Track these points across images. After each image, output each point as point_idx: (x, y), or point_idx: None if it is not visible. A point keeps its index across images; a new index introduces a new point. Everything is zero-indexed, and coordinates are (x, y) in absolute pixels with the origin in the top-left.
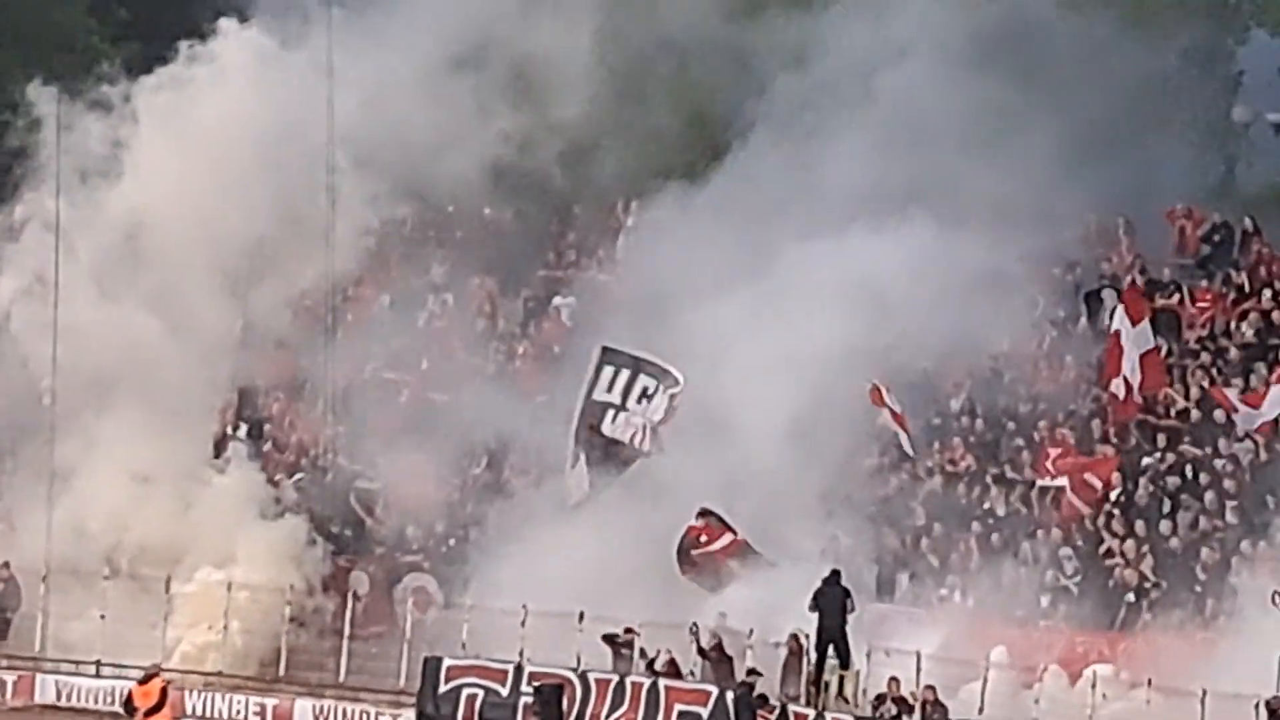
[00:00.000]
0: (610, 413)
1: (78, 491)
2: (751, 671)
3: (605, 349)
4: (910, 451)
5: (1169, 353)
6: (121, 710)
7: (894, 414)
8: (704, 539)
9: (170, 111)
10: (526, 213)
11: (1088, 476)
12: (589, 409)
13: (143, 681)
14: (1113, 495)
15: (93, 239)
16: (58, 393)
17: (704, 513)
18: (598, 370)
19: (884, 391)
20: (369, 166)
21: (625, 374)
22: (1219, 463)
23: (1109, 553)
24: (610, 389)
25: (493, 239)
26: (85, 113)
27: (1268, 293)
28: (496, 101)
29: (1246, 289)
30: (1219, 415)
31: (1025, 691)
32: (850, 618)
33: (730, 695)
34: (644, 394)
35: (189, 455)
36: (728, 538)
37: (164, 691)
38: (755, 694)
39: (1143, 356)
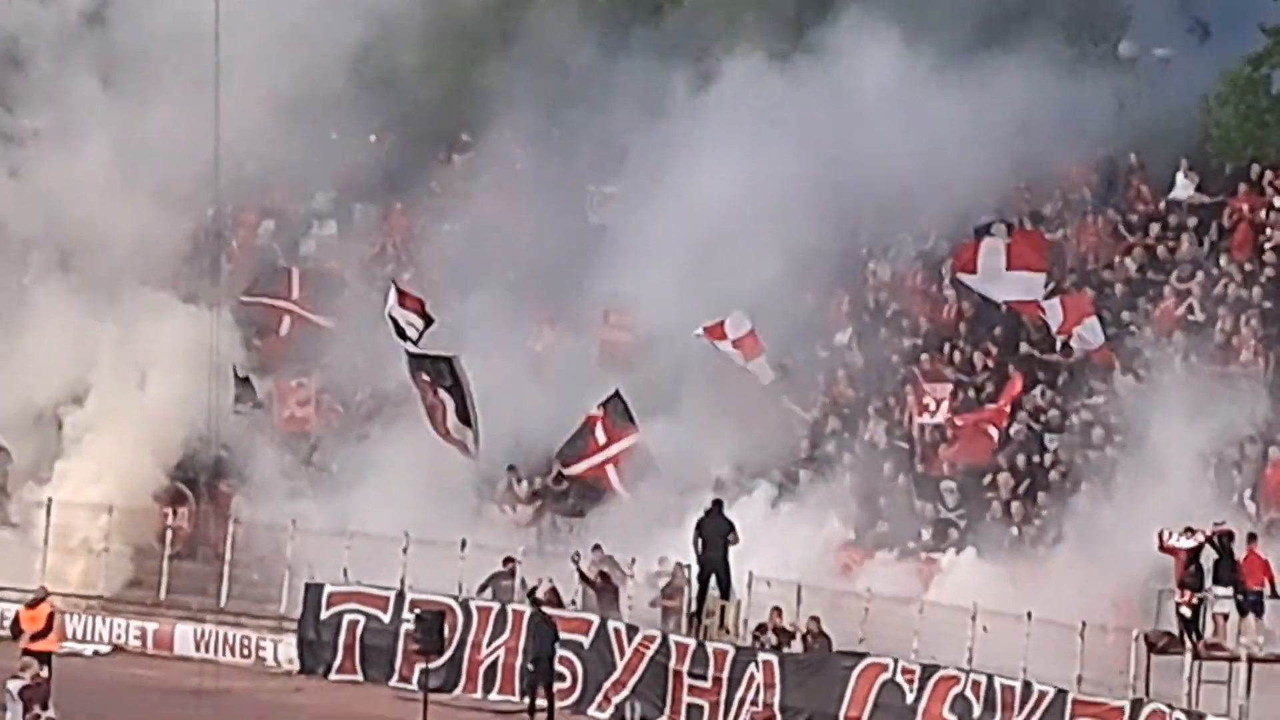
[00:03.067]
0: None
1: None
2: (536, 602)
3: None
4: (765, 380)
5: (1055, 289)
6: (8, 632)
7: (737, 342)
8: (602, 437)
9: None
10: (413, 139)
11: (986, 427)
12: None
13: (30, 605)
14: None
15: None
16: None
17: (611, 398)
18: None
19: (724, 325)
20: (255, 88)
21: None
22: (1098, 399)
23: (991, 485)
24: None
25: (378, 167)
26: None
27: (1153, 228)
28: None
29: (1131, 225)
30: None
31: (906, 622)
32: (731, 548)
33: (610, 624)
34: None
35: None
36: (626, 441)
37: (51, 616)
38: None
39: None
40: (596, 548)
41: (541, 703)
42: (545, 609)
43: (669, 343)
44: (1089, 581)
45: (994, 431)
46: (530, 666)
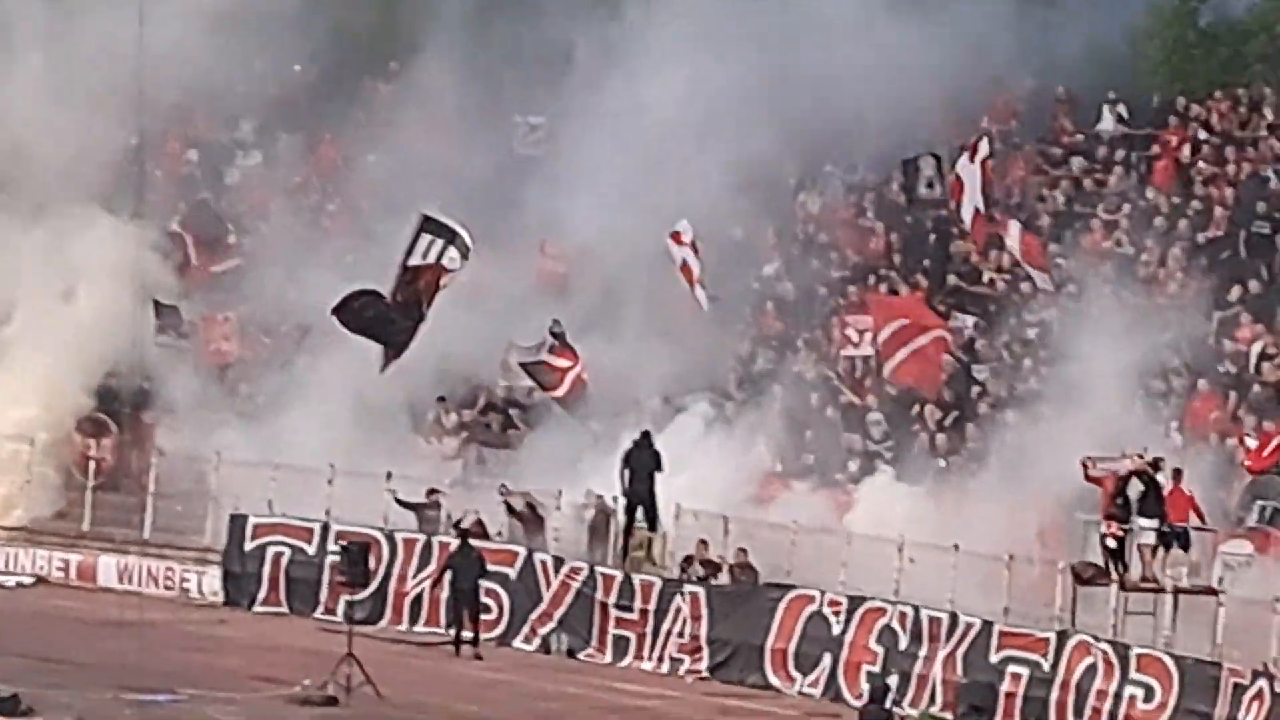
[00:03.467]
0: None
1: None
2: (463, 533)
3: (425, 217)
4: (704, 304)
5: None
6: None
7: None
8: (557, 357)
9: None
10: (339, 67)
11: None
12: (403, 275)
13: None
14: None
15: None
16: None
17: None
18: (416, 236)
19: (682, 234)
20: (175, 19)
21: (439, 243)
22: (1030, 331)
23: (918, 417)
24: (425, 256)
25: (304, 96)
26: None
27: (1081, 161)
28: None
29: (1058, 157)
30: (1025, 288)
31: (834, 554)
32: (659, 479)
33: (536, 556)
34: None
35: None
36: (573, 372)
37: None
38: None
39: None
40: (503, 486)
41: (468, 634)
42: (472, 541)
43: (604, 267)
44: (1015, 512)
45: (945, 360)
46: (454, 598)
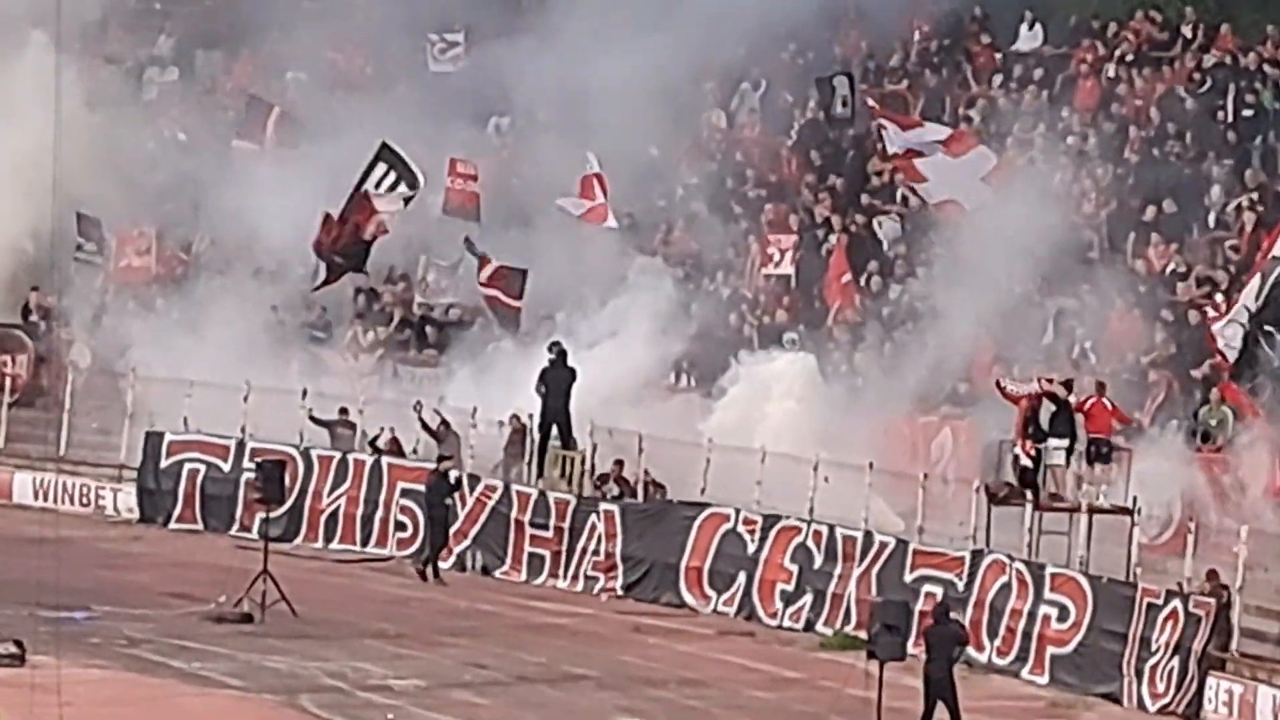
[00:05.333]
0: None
1: None
2: (441, 458)
3: (384, 146)
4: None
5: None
6: None
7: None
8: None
9: None
10: None
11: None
12: (356, 200)
13: None
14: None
15: None
16: None
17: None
18: (372, 164)
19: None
20: None
21: (393, 176)
22: (939, 249)
23: (831, 338)
24: (378, 185)
25: (223, 10)
26: None
27: (996, 79)
28: None
29: (974, 76)
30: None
31: (747, 473)
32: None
33: (452, 474)
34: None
35: None
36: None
37: None
38: (451, 478)
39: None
40: (418, 403)
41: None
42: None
43: (515, 186)
44: (927, 429)
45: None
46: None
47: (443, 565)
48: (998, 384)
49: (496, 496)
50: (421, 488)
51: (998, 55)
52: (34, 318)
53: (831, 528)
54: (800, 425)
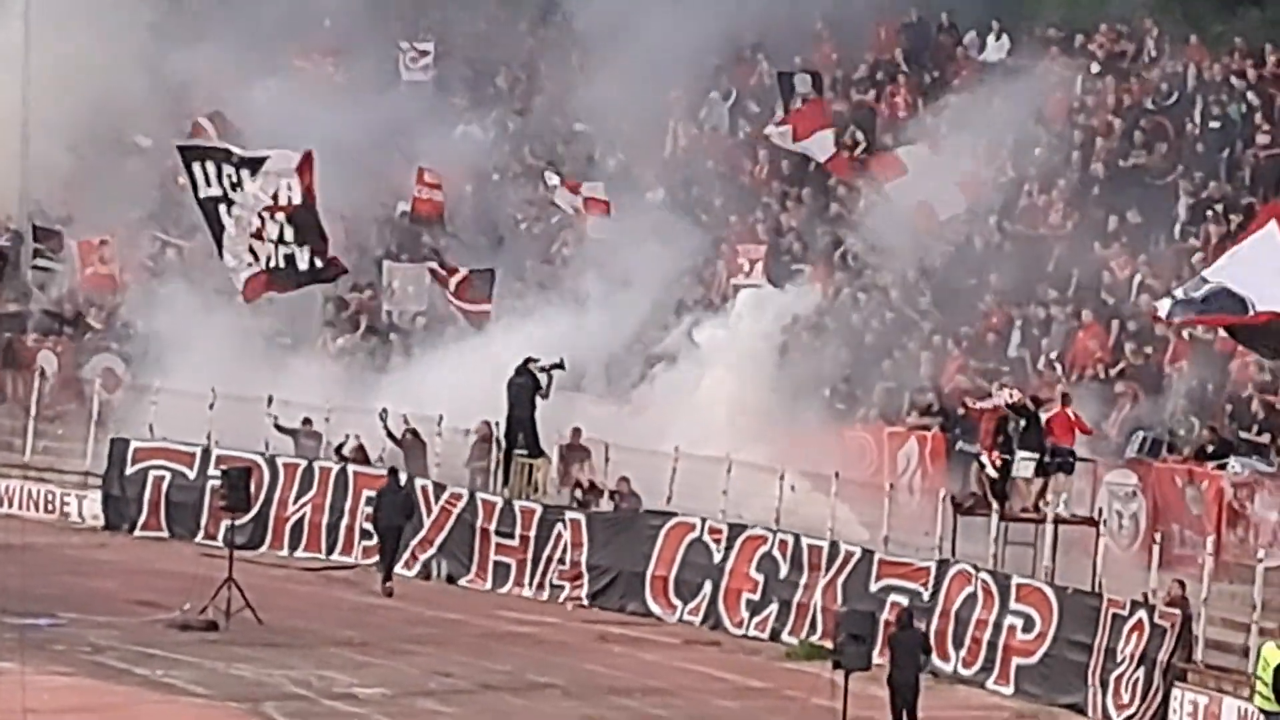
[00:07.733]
0: (223, 207)
1: None
2: (393, 471)
3: (180, 149)
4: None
5: (866, 148)
6: None
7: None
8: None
9: None
10: None
11: None
12: (206, 209)
13: None
14: None
15: None
16: None
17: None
18: (188, 170)
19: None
20: None
21: (212, 165)
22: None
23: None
24: (209, 185)
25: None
26: None
27: (964, 89)
28: None
29: (941, 87)
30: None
31: (714, 483)
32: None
33: (417, 481)
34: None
35: None
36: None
37: None
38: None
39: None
40: (384, 411)
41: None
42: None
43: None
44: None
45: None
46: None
47: (407, 573)
48: (965, 405)
49: (462, 505)
50: None
51: (965, 65)
52: None
53: (797, 537)
54: (768, 434)
